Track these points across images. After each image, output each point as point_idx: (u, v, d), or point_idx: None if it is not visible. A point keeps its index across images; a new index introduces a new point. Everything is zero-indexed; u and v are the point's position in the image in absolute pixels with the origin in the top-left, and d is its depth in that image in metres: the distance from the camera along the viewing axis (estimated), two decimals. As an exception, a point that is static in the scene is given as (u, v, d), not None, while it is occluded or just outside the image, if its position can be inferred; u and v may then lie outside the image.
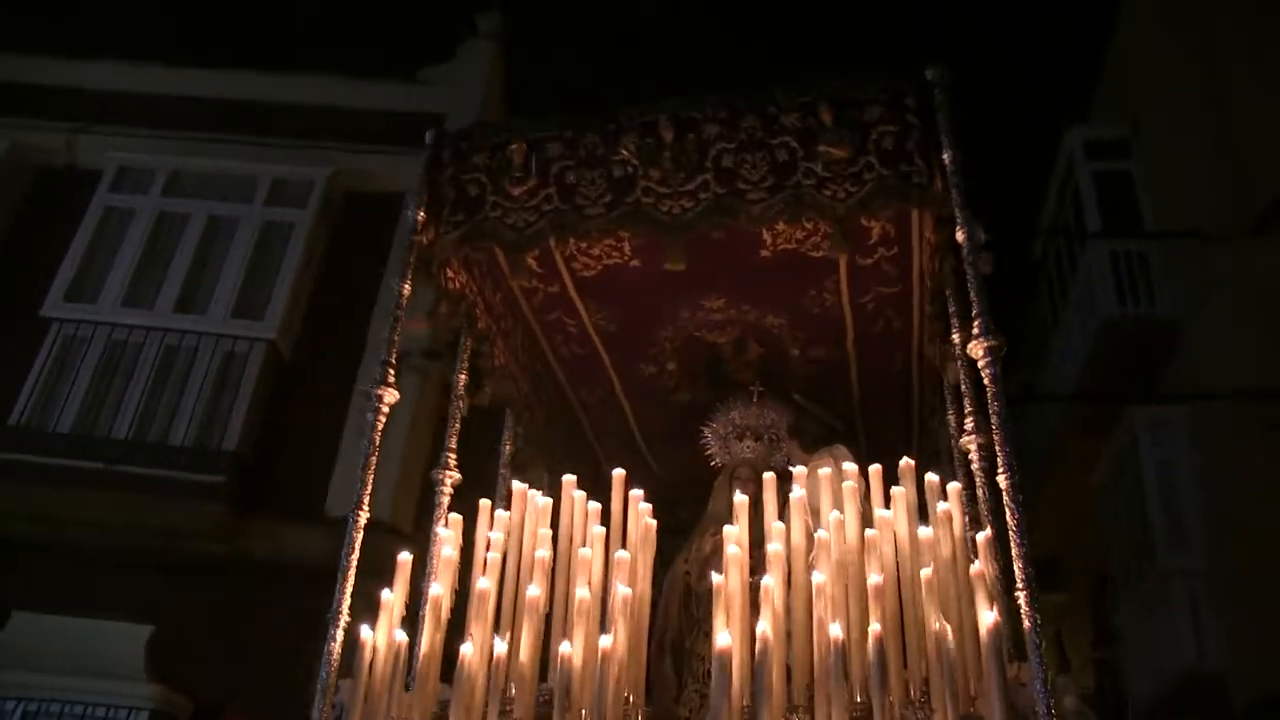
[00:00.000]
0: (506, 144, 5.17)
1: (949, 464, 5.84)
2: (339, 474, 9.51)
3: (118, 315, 10.27)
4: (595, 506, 4.98)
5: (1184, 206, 11.25)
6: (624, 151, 5.01)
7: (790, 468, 5.68)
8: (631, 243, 5.50)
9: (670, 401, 6.66)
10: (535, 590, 4.33)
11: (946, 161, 4.73)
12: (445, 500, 5.27)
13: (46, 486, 9.15)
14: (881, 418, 6.73)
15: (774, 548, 4.43)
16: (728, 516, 5.67)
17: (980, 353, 4.41)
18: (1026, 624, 3.95)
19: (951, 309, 5.08)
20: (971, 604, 4.34)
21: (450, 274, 5.47)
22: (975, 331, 4.45)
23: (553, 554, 4.84)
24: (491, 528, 4.89)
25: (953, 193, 4.71)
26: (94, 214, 11.02)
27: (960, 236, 4.64)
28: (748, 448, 6.32)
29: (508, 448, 6.15)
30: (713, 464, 6.46)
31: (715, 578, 4.32)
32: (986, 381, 4.38)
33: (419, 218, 5.18)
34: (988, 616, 4.02)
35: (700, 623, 5.62)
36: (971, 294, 4.55)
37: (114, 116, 11.50)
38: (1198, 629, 10.56)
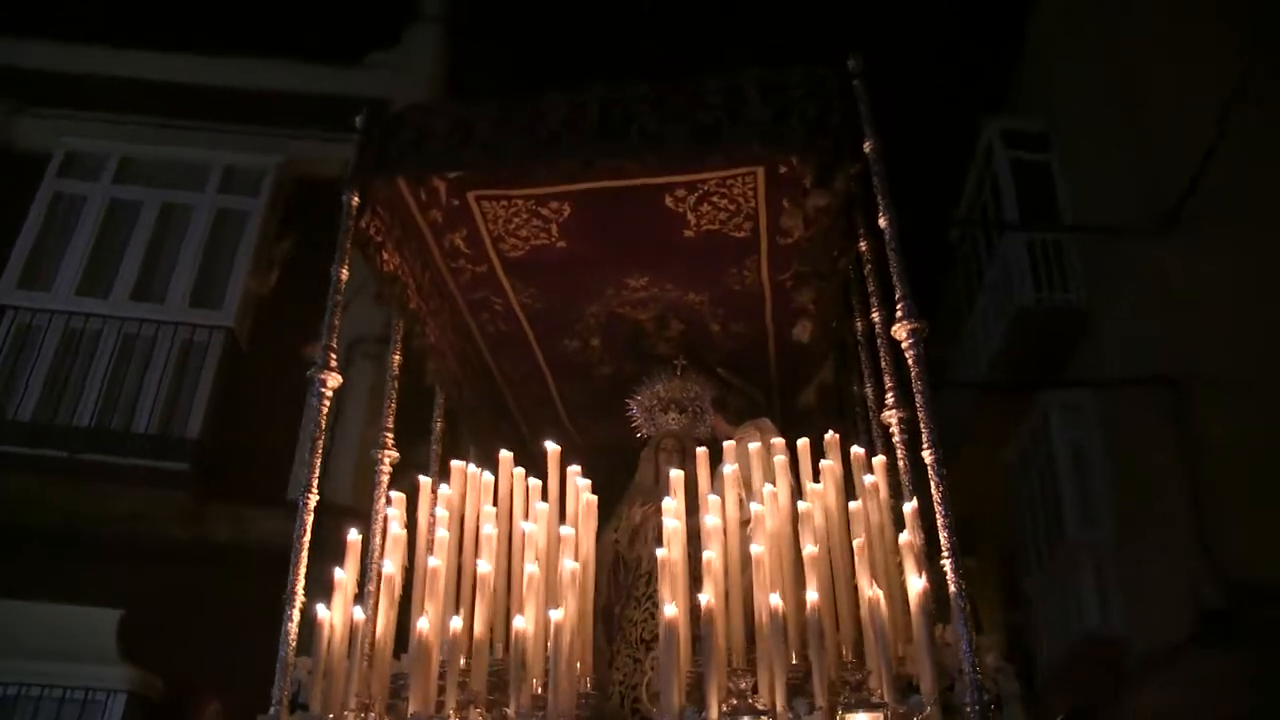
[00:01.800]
0: (433, 123, 5.19)
1: (865, 434, 6.04)
2: (299, 459, 9.33)
3: (74, 304, 10.09)
4: (535, 483, 5.10)
5: (1098, 199, 11.70)
6: (549, 121, 5.05)
7: (722, 441, 5.78)
8: (559, 224, 5.59)
9: (593, 374, 6.76)
10: (486, 566, 4.39)
11: (867, 150, 4.86)
12: (385, 479, 5.34)
13: (9, 474, 9.04)
14: (797, 388, 6.85)
15: (711, 521, 4.43)
16: (654, 486, 6.04)
17: (904, 335, 4.54)
18: (952, 589, 4.10)
19: (871, 289, 5.31)
20: (897, 570, 4.60)
21: (385, 256, 5.52)
22: (899, 314, 4.57)
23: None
24: (435, 505, 4.97)
25: (874, 180, 4.83)
26: (43, 200, 10.72)
27: (883, 222, 4.77)
28: (672, 420, 6.41)
29: (438, 424, 6.21)
30: (638, 435, 6.56)
31: (659, 551, 4.46)
32: (910, 362, 4.51)
33: (354, 202, 5.16)
34: (917, 583, 4.22)
35: (629, 590, 5.65)
36: (895, 279, 4.66)
37: (56, 99, 11.18)
38: (1102, 596, 11.08)
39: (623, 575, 5.97)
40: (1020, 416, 12.78)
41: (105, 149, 10.86)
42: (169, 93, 11.21)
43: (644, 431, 6.46)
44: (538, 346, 6.55)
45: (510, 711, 4.08)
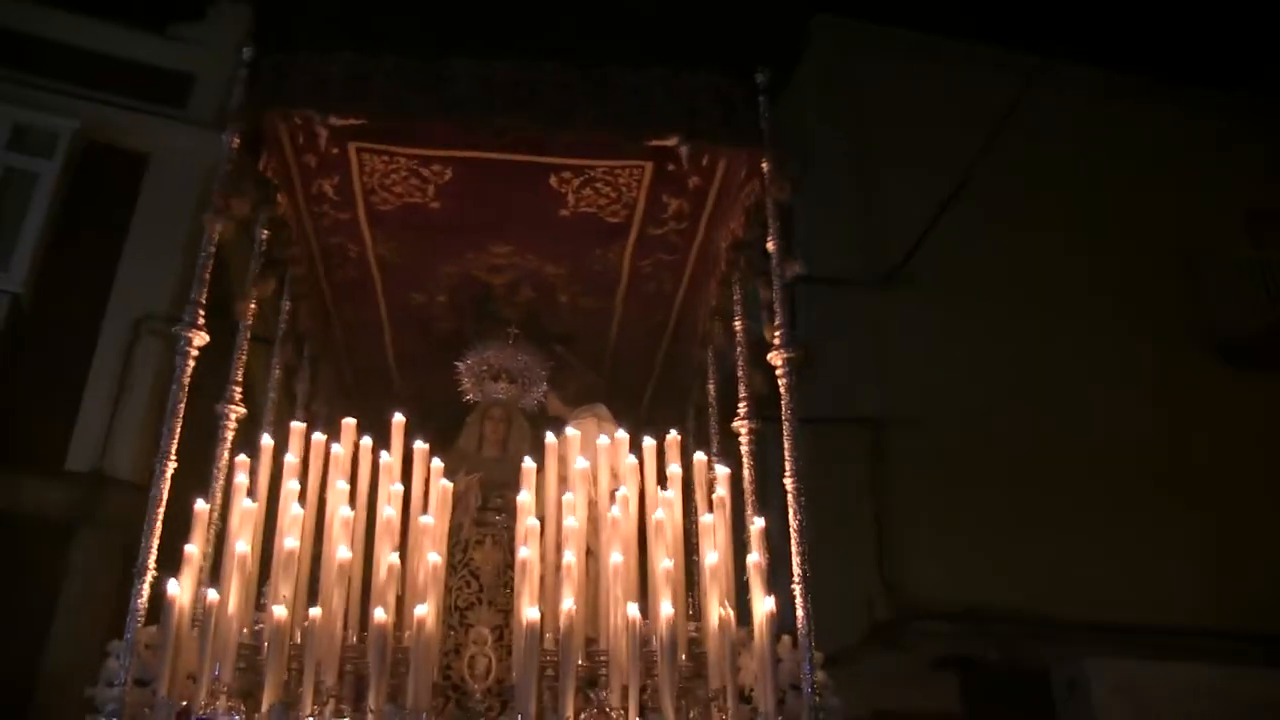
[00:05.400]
0: (329, 74, 4.51)
1: (692, 425, 5.89)
2: (80, 428, 8.57)
3: None
4: (387, 460, 4.53)
5: (829, 248, 11.73)
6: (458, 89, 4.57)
7: (553, 417, 5.54)
8: (437, 186, 5.09)
9: (431, 329, 6.22)
10: (346, 553, 3.72)
11: (765, 169, 4.60)
12: (229, 436, 4.55)
13: None
14: (627, 370, 6.50)
15: (570, 523, 4.19)
16: (477, 454, 5.50)
17: (779, 363, 4.34)
18: (801, 613, 3.92)
19: (737, 297, 5.07)
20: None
21: (280, 198, 4.95)
22: (776, 342, 4.36)
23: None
24: (283, 475, 4.22)
25: (768, 203, 4.61)
26: None
27: (771, 246, 4.57)
28: (501, 389, 5.81)
29: (276, 373, 5.45)
30: (464, 399, 5.88)
31: (522, 552, 4.12)
32: (782, 390, 4.31)
33: (234, 143, 4.44)
34: (765, 604, 4.01)
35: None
36: (776, 305, 4.46)
37: None
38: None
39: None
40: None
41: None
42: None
43: (471, 397, 5.88)
44: (383, 297, 5.98)
45: (371, 706, 3.41)
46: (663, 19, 13.63)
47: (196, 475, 4.40)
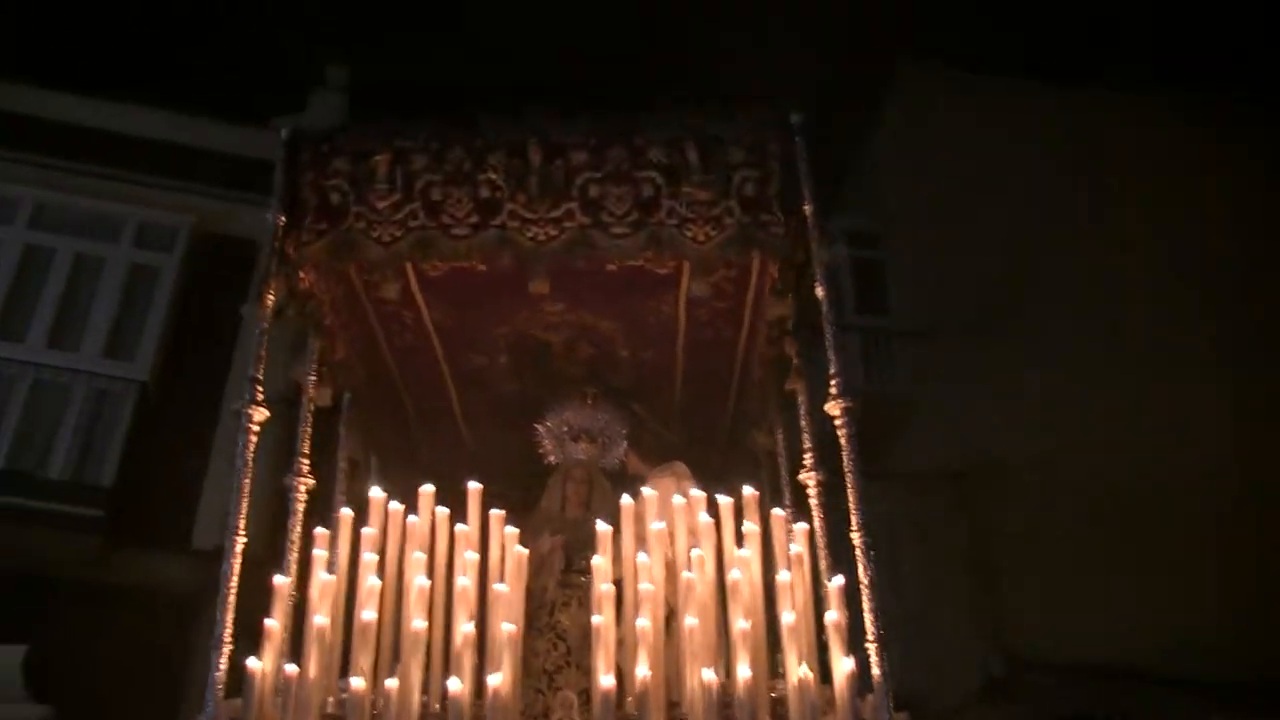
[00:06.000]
0: (370, 153, 4.68)
1: (765, 474, 5.64)
2: (204, 507, 9.07)
3: (-9, 347, 9.65)
4: (462, 529, 4.46)
5: (922, 299, 11.80)
6: (491, 173, 4.60)
7: (633, 476, 5.47)
8: None
9: (498, 390, 6.13)
10: (421, 623, 3.64)
11: (807, 214, 4.49)
12: (300, 508, 4.66)
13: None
14: (698, 423, 6.32)
15: (645, 587, 3.98)
16: (560, 515, 5.43)
17: (837, 412, 4.22)
18: (876, 672, 3.76)
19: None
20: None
21: (302, 274, 4.89)
22: (832, 391, 4.25)
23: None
24: (361, 546, 4.20)
25: (813, 247, 4.46)
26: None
27: (820, 292, 4.42)
28: (582, 449, 5.77)
29: (344, 444, 5.52)
30: (545, 460, 5.81)
31: (595, 619, 4.03)
32: (842, 441, 4.18)
33: (279, 222, 4.60)
34: (845, 664, 3.82)
35: (531, 619, 4.94)
36: (830, 353, 4.33)
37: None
38: (906, 662, 11.04)
39: (525, 603, 5.26)
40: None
41: (20, 192, 10.10)
42: (84, 137, 10.34)
43: (552, 457, 5.84)
44: (444, 360, 5.90)
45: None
46: (729, 62, 13.68)
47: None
